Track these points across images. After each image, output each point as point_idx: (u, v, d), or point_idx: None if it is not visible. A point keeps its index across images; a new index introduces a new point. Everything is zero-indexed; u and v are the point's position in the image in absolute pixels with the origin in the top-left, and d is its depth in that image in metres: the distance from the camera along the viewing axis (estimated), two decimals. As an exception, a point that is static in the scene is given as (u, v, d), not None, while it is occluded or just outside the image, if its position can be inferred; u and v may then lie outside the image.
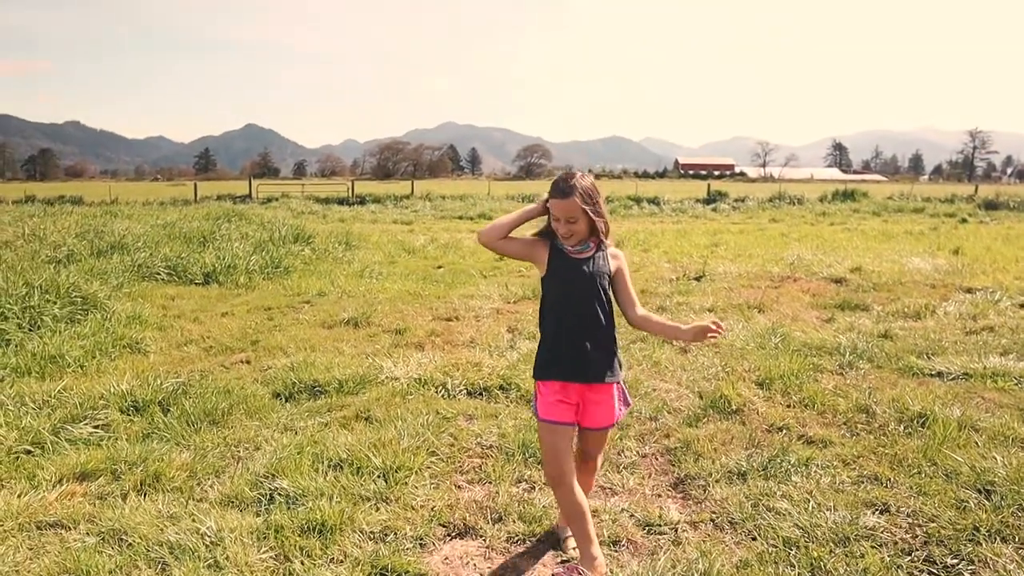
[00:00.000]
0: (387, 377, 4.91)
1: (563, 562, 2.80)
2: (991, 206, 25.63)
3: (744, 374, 4.99)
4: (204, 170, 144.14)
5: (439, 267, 10.82)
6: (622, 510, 3.17)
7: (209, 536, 2.83)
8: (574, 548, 2.79)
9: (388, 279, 9.52)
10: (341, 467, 3.46)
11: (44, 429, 3.86)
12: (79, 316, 6.47)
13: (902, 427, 4.00)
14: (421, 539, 2.92)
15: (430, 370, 5.00)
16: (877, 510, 3.10)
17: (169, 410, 4.27)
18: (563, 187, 2.53)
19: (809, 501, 3.15)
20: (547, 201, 2.59)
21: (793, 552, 2.78)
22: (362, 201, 29.04)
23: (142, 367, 5.25)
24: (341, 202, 28.53)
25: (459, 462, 3.66)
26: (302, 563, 2.70)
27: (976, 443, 3.72)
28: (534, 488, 3.39)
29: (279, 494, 3.19)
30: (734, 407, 4.32)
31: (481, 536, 2.98)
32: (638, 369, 5.17)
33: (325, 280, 9.25)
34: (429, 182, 64.32)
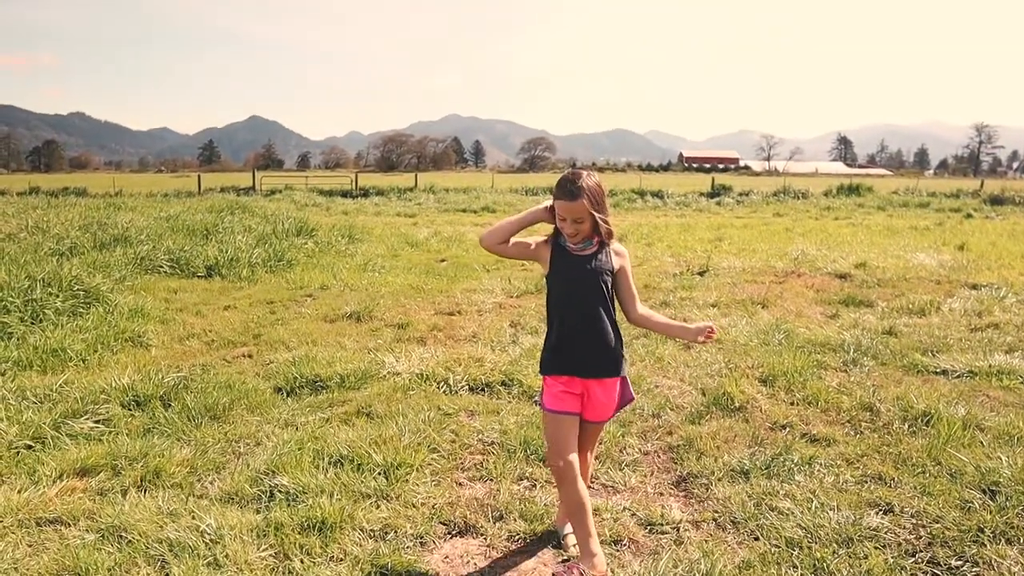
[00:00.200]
0: (389, 372, 4.90)
1: (563, 561, 2.78)
2: (996, 201, 25.49)
3: (747, 371, 4.96)
4: (208, 162, 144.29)
5: (442, 260, 10.80)
6: (624, 509, 3.16)
7: (209, 533, 2.82)
8: (574, 546, 2.79)
9: (391, 272, 9.51)
10: (342, 464, 3.45)
11: (45, 424, 3.86)
12: (81, 309, 6.47)
13: (906, 426, 3.97)
14: (421, 537, 2.91)
15: (432, 365, 4.98)
16: (881, 510, 3.07)
17: (170, 405, 4.26)
18: (571, 188, 2.53)
19: (812, 501, 3.13)
20: (550, 207, 2.62)
21: (796, 553, 2.75)
22: (366, 193, 29.02)
23: (144, 361, 5.25)
24: (345, 194, 28.50)
25: (460, 459, 3.64)
26: (302, 561, 2.69)
27: (981, 442, 3.69)
28: (536, 486, 3.37)
29: (279, 491, 3.18)
30: (737, 404, 4.30)
31: (482, 534, 2.97)
32: (641, 365, 5.14)
33: (328, 273, 9.24)
34: (433, 175, 64.25)
